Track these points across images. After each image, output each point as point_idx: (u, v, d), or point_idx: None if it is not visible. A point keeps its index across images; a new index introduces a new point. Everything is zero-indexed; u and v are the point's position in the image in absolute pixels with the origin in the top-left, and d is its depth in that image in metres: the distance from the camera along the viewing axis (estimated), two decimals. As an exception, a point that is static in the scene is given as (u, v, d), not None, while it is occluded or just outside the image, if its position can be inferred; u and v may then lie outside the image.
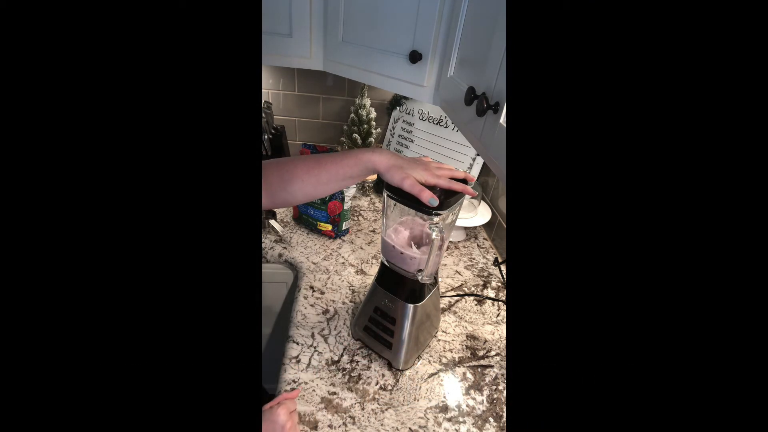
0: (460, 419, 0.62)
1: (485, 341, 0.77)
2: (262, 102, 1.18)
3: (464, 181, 0.56)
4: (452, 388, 0.66)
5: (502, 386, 0.68)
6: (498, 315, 0.84)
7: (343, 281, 0.88)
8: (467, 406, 0.64)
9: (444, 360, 0.71)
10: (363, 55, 0.81)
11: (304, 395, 0.62)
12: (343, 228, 1.01)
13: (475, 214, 1.02)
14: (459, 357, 0.72)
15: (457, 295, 0.87)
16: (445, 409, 0.63)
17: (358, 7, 0.78)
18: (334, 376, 0.66)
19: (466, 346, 0.75)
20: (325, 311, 0.79)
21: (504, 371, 0.71)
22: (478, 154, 1.08)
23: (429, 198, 0.50)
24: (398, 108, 1.22)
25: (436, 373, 0.69)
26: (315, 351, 0.70)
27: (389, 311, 0.66)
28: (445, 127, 1.13)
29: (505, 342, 0.77)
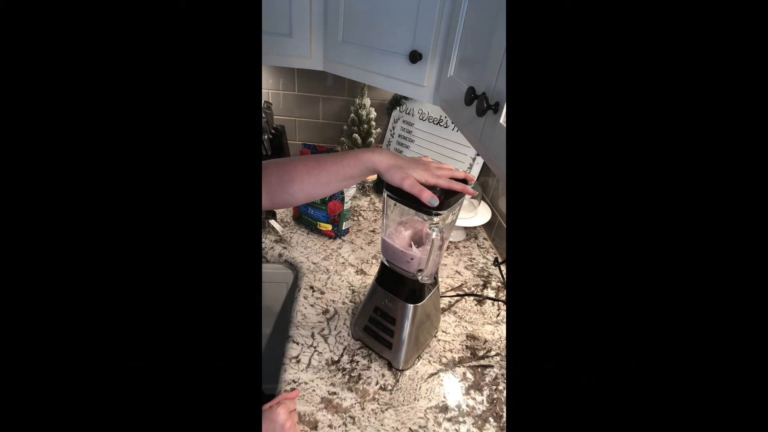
0: (460, 419, 0.62)
1: (485, 341, 0.77)
2: (262, 102, 1.18)
3: (464, 181, 0.56)
4: (452, 388, 0.66)
5: (502, 386, 0.68)
6: (498, 315, 0.84)
7: (343, 281, 0.88)
8: (467, 406, 0.64)
9: (444, 360, 0.71)
10: (363, 55, 0.81)
11: (304, 395, 0.62)
12: (343, 228, 1.01)
13: (475, 214, 1.02)
14: (459, 357, 0.72)
15: (457, 295, 0.87)
16: (445, 409, 0.63)
17: (358, 7, 0.78)
18: (334, 376, 0.66)
19: (466, 346, 0.75)
20: (325, 311, 0.79)
21: (504, 371, 0.71)
22: (478, 154, 1.08)
23: (429, 198, 0.50)
24: (398, 108, 1.22)
25: (436, 373, 0.69)
26: (315, 351, 0.70)
27: (389, 311, 0.66)
28: (445, 127, 1.13)
29: (505, 342, 0.77)
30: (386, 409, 0.62)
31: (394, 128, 1.24)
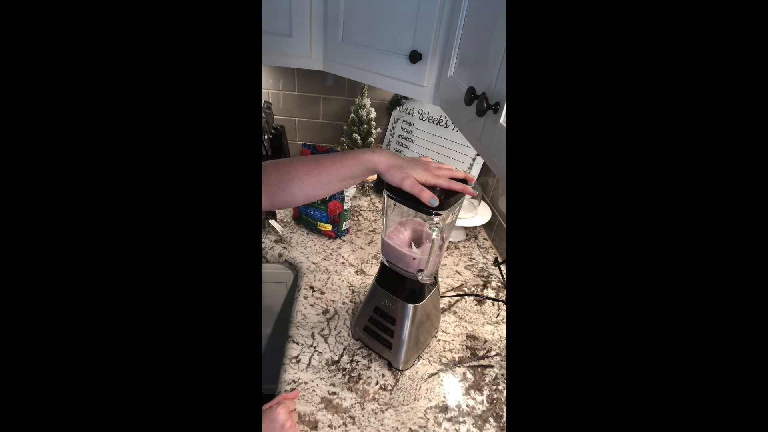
0: (460, 419, 0.62)
1: (485, 341, 0.77)
2: (262, 102, 1.18)
3: (464, 181, 0.56)
4: (452, 388, 0.66)
5: (502, 386, 0.68)
6: (498, 315, 0.84)
7: (343, 281, 0.88)
8: (467, 406, 0.64)
9: (444, 360, 0.71)
10: (363, 55, 0.81)
11: (304, 395, 0.62)
12: (343, 228, 1.01)
13: (475, 214, 1.02)
14: (459, 357, 0.72)
15: (457, 295, 0.87)
16: (445, 409, 0.63)
17: (358, 6, 0.78)
18: (334, 376, 0.66)
19: (466, 346, 0.75)
20: (325, 311, 0.79)
21: (504, 371, 0.71)
22: (478, 154, 1.08)
23: (429, 198, 0.50)
24: (398, 108, 1.22)
25: (436, 373, 0.69)
26: (315, 351, 0.70)
27: (389, 311, 0.66)
28: (445, 127, 1.13)
29: (505, 342, 0.77)
30: (386, 409, 0.62)
31: (394, 128, 1.24)
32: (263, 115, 1.06)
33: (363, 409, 0.61)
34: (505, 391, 0.67)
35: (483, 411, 0.63)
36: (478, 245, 1.07)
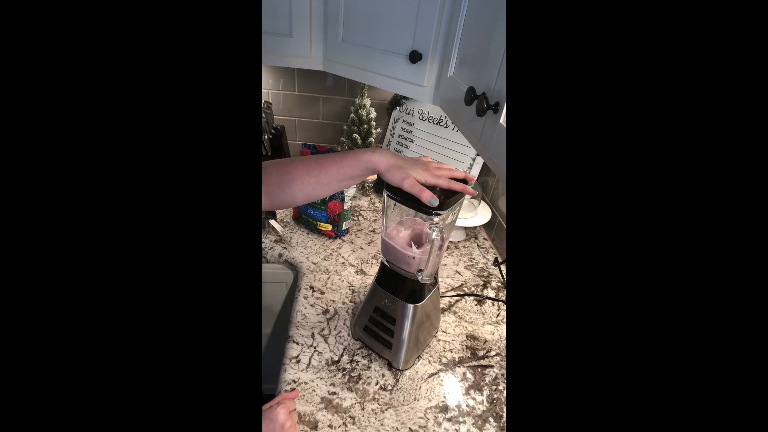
0: (460, 419, 0.62)
1: (485, 341, 0.77)
2: (262, 102, 1.18)
3: (464, 181, 0.56)
4: (452, 388, 0.66)
5: (502, 386, 0.68)
6: (498, 315, 0.84)
7: (343, 281, 0.88)
8: (467, 406, 0.64)
9: (444, 360, 0.71)
10: (363, 55, 0.81)
11: (304, 395, 0.62)
12: (343, 228, 1.01)
13: (475, 214, 1.02)
14: (459, 357, 0.72)
15: (457, 295, 0.87)
16: (445, 409, 0.63)
17: (358, 7, 0.78)
18: (334, 376, 0.66)
19: (466, 346, 0.75)
20: (325, 311, 0.79)
21: (504, 371, 0.71)
22: (478, 154, 1.08)
23: (429, 198, 0.50)
24: (398, 108, 1.22)
25: (436, 373, 0.69)
26: (315, 351, 0.70)
27: (389, 311, 0.66)
28: (445, 127, 1.13)
29: (505, 342, 0.77)
30: (386, 409, 0.62)
31: (394, 128, 1.24)
32: (263, 115, 1.06)
33: (363, 409, 0.61)
34: (505, 391, 0.67)
35: (483, 411, 0.63)
36: (478, 245, 1.07)
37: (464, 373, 0.69)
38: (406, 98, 1.21)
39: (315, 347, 0.70)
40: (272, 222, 1.00)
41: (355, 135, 1.22)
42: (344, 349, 0.71)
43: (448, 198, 0.52)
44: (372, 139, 1.24)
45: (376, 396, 0.63)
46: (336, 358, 0.69)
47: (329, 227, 0.99)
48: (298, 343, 0.71)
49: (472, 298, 0.87)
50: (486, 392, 0.67)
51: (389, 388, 0.65)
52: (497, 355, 0.74)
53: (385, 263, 0.65)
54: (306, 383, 0.64)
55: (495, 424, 0.62)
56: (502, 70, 0.43)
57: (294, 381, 0.64)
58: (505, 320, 0.83)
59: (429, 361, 0.71)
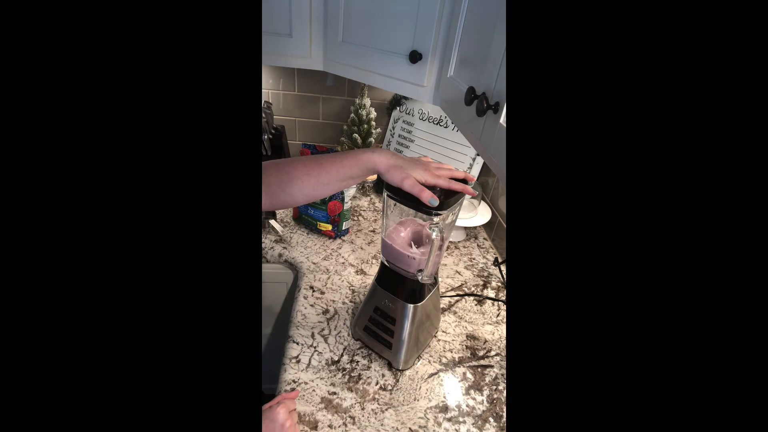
0: (460, 419, 0.62)
1: (485, 341, 0.77)
2: (262, 102, 1.18)
3: (464, 181, 0.56)
4: (452, 388, 0.66)
5: (502, 386, 0.68)
6: (498, 315, 0.84)
7: (343, 281, 0.88)
8: (467, 406, 0.64)
9: (444, 360, 0.71)
10: (363, 55, 0.81)
11: (304, 395, 0.62)
12: (343, 228, 1.01)
13: (475, 214, 1.02)
14: (459, 357, 0.72)
15: (457, 295, 0.87)
16: (445, 409, 0.63)
17: (358, 6, 0.78)
18: (334, 376, 0.66)
19: (466, 346, 0.75)
20: (325, 311, 0.79)
21: (504, 371, 0.71)
22: (478, 154, 1.08)
23: (429, 198, 0.50)
24: (398, 108, 1.22)
25: (436, 373, 0.69)
26: (315, 351, 0.70)
27: (389, 311, 0.66)
28: (445, 127, 1.13)
29: (505, 342, 0.77)
30: (386, 409, 0.62)
31: (394, 128, 1.24)
32: (263, 115, 1.06)
33: (363, 409, 0.61)
34: (505, 391, 0.67)
35: (483, 411, 0.63)
36: (478, 245, 1.07)
37: (464, 373, 0.69)
38: (406, 98, 1.21)
39: (315, 347, 0.70)
40: (272, 222, 1.00)
41: (355, 135, 1.22)
42: (344, 349, 0.71)
43: (448, 198, 0.52)
44: (372, 139, 1.24)
45: (376, 396, 0.63)
46: (336, 358, 0.69)
47: (329, 227, 0.99)
48: (298, 343, 0.71)
49: (472, 298, 0.87)
50: (486, 392, 0.67)
51: (389, 388, 0.65)
52: (497, 355, 0.74)
53: (385, 263, 0.65)
54: (306, 383, 0.64)
55: (495, 424, 0.62)
56: (502, 70, 0.43)
57: (294, 381, 0.64)
58: (505, 320, 0.83)
59: (429, 361, 0.71)
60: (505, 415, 0.64)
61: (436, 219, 0.55)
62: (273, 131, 1.12)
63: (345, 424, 0.59)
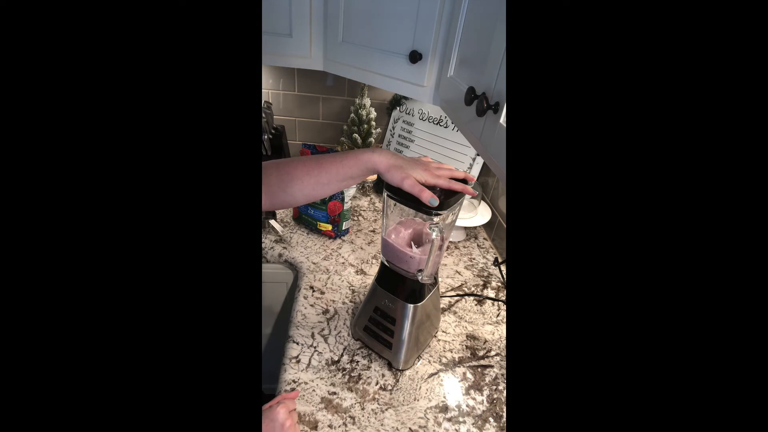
0: (460, 419, 0.62)
1: (485, 341, 0.77)
2: (262, 102, 1.18)
3: (464, 181, 0.56)
4: (452, 388, 0.66)
5: (502, 386, 0.68)
6: (498, 315, 0.84)
7: (343, 281, 0.88)
8: (467, 406, 0.64)
9: (444, 360, 0.71)
10: (363, 55, 0.81)
11: (304, 395, 0.62)
12: (343, 228, 1.01)
13: (475, 214, 1.02)
14: (459, 357, 0.72)
15: (457, 295, 0.87)
16: (445, 409, 0.63)
17: (358, 6, 0.78)
18: (334, 376, 0.66)
19: (466, 346, 0.75)
20: (325, 311, 0.79)
21: (504, 371, 0.71)
22: (478, 154, 1.08)
23: (429, 198, 0.50)
24: (398, 108, 1.22)
25: (436, 373, 0.69)
26: (315, 351, 0.70)
27: (389, 311, 0.66)
28: (445, 127, 1.13)
29: (505, 342, 0.77)
30: (386, 409, 0.62)
31: (394, 128, 1.24)
32: (263, 115, 1.06)
33: (363, 409, 0.61)
34: (505, 391, 0.67)
35: (483, 411, 0.63)
36: (478, 245, 1.07)
37: (464, 373, 0.69)
38: (406, 98, 1.21)
39: (315, 347, 0.70)
40: (272, 222, 1.00)
41: (355, 135, 1.22)
42: (344, 349, 0.71)
43: (448, 198, 0.52)
44: (372, 139, 1.24)
45: (376, 396, 0.63)
46: (336, 358, 0.69)
47: (329, 227, 0.99)
48: (298, 343, 0.71)
49: (472, 298, 0.87)
50: (486, 392, 0.67)
51: (389, 388, 0.65)
52: (497, 355, 0.74)
53: (385, 263, 0.65)
54: (306, 383, 0.64)
55: (495, 424, 0.62)
56: (502, 70, 0.43)
57: (294, 381, 0.64)
58: (505, 320, 0.83)
59: (429, 361, 0.71)
60: (505, 415, 0.64)
61: (436, 219, 0.55)
62: (273, 131, 1.12)
63: (345, 424, 0.59)
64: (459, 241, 1.07)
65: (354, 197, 1.21)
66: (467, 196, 0.57)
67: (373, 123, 1.23)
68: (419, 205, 0.52)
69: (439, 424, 0.60)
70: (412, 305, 0.64)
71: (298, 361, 0.67)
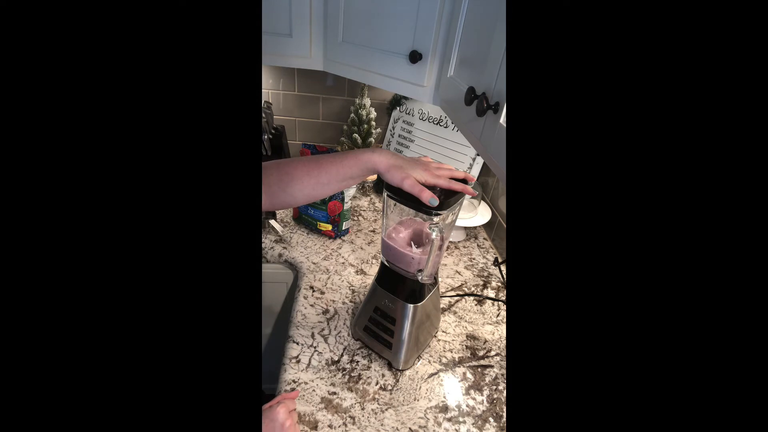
0: (460, 419, 0.62)
1: (485, 341, 0.77)
2: (262, 102, 1.18)
3: (464, 181, 0.56)
4: (452, 388, 0.66)
5: (502, 386, 0.68)
6: (498, 315, 0.84)
7: (343, 281, 0.88)
8: (467, 406, 0.64)
9: (444, 360, 0.71)
10: (363, 55, 0.81)
11: (304, 395, 0.62)
12: (343, 228, 1.01)
13: (475, 214, 1.02)
14: (459, 357, 0.72)
15: (457, 295, 0.87)
16: (445, 409, 0.63)
17: (358, 6, 0.78)
18: (334, 376, 0.66)
19: (466, 346, 0.75)
20: (325, 311, 0.79)
21: (504, 371, 0.71)
22: (478, 154, 1.08)
23: (429, 198, 0.50)
24: (398, 108, 1.22)
25: (436, 373, 0.69)
26: (315, 351, 0.70)
27: (389, 311, 0.66)
28: (445, 127, 1.13)
29: (505, 342, 0.77)
30: (386, 409, 0.62)
31: (394, 128, 1.24)
32: (263, 115, 1.06)
33: (363, 409, 0.61)
34: (505, 391, 0.67)
35: (483, 411, 0.63)
36: (478, 245, 1.07)
37: (464, 373, 0.69)
38: (406, 98, 1.21)
39: (315, 347, 0.70)
40: (272, 222, 1.00)
41: (355, 135, 1.22)
42: (344, 349, 0.71)
43: (448, 198, 0.52)
44: (372, 139, 1.24)
45: (376, 396, 0.63)
46: (336, 358, 0.69)
47: (329, 227, 0.99)
48: (298, 343, 0.71)
49: (472, 298, 0.87)
50: (486, 392, 0.67)
51: (389, 388, 0.65)
52: (497, 355, 0.74)
53: (385, 263, 0.65)
54: (306, 383, 0.64)
55: (495, 424, 0.62)
56: (502, 70, 0.43)
57: (294, 381, 0.64)
58: (505, 320, 0.83)
59: (429, 361, 0.71)
60: (505, 415, 0.64)
61: (436, 219, 0.55)
62: (273, 131, 1.12)
63: (345, 424, 0.59)
64: (459, 241, 1.07)
65: (354, 197, 1.22)
66: (467, 196, 0.57)
67: (373, 123, 1.23)
68: (419, 205, 0.52)
69: (439, 424, 0.60)
70: (412, 305, 0.64)
71: (298, 361, 0.67)
